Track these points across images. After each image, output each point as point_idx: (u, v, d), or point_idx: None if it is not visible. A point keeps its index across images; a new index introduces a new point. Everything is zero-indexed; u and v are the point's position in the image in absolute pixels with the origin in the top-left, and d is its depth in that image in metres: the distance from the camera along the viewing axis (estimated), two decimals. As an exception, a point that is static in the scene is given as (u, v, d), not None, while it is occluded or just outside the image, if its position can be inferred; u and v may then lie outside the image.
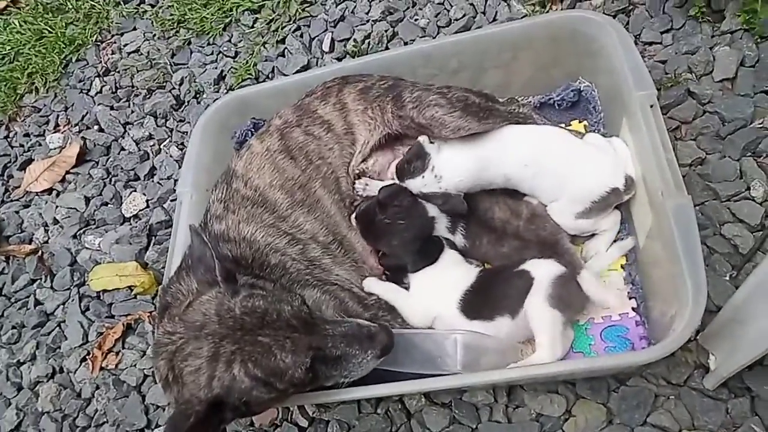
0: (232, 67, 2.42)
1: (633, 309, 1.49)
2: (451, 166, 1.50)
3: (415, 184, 1.52)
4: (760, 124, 1.61)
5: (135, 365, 1.88)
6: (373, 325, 1.26)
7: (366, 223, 1.55)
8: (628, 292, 1.51)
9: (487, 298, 1.42)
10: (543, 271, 1.41)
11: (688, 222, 1.20)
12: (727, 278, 1.47)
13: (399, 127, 1.58)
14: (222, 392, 1.09)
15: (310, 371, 1.15)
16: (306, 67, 2.28)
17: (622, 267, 1.55)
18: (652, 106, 1.35)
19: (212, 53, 2.53)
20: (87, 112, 2.58)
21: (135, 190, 2.28)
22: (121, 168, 2.36)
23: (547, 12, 2.03)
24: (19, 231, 2.36)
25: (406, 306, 1.47)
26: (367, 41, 2.25)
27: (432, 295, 1.47)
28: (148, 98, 2.51)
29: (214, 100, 1.95)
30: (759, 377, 1.36)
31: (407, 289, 1.53)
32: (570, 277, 1.39)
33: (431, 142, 1.54)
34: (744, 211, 1.52)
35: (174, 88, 2.50)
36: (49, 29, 2.84)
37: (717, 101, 1.69)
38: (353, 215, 1.58)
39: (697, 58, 1.76)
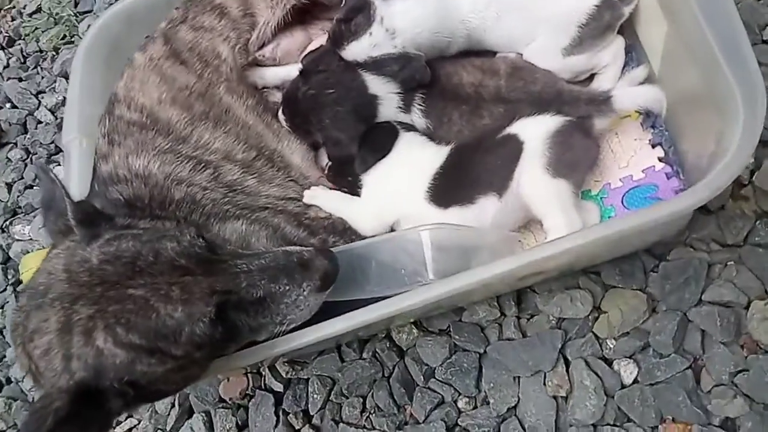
0: (137, -2, 2.04)
1: (660, 159, 1.12)
2: (405, 13, 1.12)
3: (360, 47, 1.14)
4: None
5: (85, 359, 1.60)
6: (306, 249, 0.93)
7: (290, 106, 1.19)
8: (650, 140, 1.14)
9: (464, 176, 1.08)
10: (534, 131, 1.05)
11: (723, 6, 0.82)
12: (781, 91, 1.08)
13: None
14: (88, 375, 0.77)
15: (219, 324, 0.82)
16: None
17: (636, 111, 1.17)
18: None
19: (116, -8, 2.14)
20: (-3, 92, 2.24)
21: (58, 164, 1.95)
22: (40, 143, 2.03)
23: None
24: (-52, 240, 2.08)
25: (356, 213, 1.14)
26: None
27: (392, 193, 1.13)
28: (56, 58, 2.16)
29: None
30: None
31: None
32: (571, 129, 1.04)
33: None
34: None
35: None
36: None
37: None
38: (279, 111, 1.22)
39: None
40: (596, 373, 1.08)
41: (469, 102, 1.18)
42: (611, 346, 1.11)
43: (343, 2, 1.16)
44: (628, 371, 1.08)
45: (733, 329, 1.04)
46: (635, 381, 1.07)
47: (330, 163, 1.26)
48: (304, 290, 0.89)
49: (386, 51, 1.14)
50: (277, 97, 1.29)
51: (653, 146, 1.14)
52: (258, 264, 0.88)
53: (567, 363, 1.12)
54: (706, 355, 1.05)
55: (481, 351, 1.18)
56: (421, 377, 1.21)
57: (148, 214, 1.05)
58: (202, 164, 1.14)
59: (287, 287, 0.88)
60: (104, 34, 1.48)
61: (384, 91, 1.17)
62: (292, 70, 1.27)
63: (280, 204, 1.16)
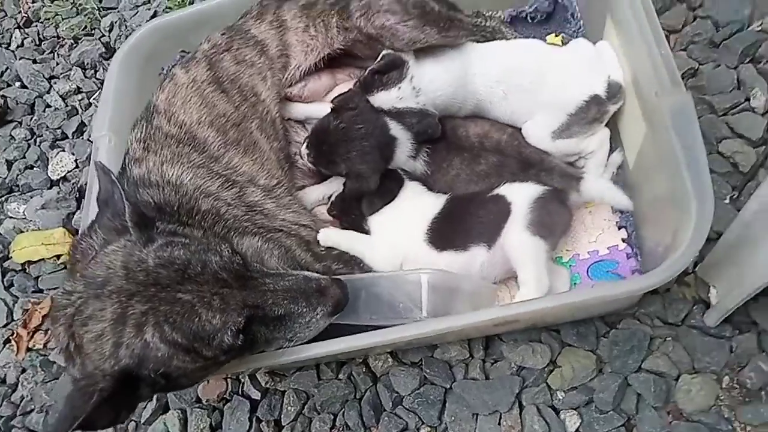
0: (167, 7, 2.15)
1: (623, 240, 1.30)
2: (432, 78, 1.32)
3: (387, 98, 1.31)
4: (759, 26, 1.42)
5: (66, 342, 1.65)
6: (324, 277, 1.07)
7: (320, 137, 1.32)
8: (617, 222, 1.33)
9: (459, 224, 1.23)
10: (520, 194, 1.22)
11: (688, 121, 1.01)
12: (727, 201, 1.29)
13: (342, 42, 1.36)
14: (132, 363, 0.89)
15: (244, 334, 0.95)
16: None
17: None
18: (640, -3, 1.14)
19: (144, -7, 2.25)
20: (7, 68, 2.30)
21: (63, 150, 2.02)
22: (47, 126, 2.09)
23: None
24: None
25: (370, 252, 1.28)
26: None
27: (396, 234, 1.28)
28: (75, 47, 2.24)
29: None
30: (766, 309, 1.18)
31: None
32: (551, 198, 1.21)
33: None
34: (744, 124, 1.34)
35: (103, 35, 2.23)
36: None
37: (708, 4, 1.49)
38: (303, 146, 1.36)
39: (683, -45, 1.55)
40: (545, 420, 1.23)
41: (472, 150, 1.35)
42: (561, 397, 1.26)
43: (379, 57, 1.33)
44: (572, 422, 1.22)
45: (663, 396, 1.20)
46: (577, 431, 1.23)
47: (334, 200, 1.40)
48: (317, 314, 1.03)
49: (408, 105, 1.31)
50: (301, 136, 1.43)
51: (619, 228, 1.32)
52: (283, 285, 1.01)
53: (521, 407, 1.26)
54: (638, 415, 1.20)
55: (448, 386, 1.31)
56: (390, 403, 1.33)
57: (176, 220, 1.16)
58: (230, 183, 1.26)
59: (304, 309, 1.02)
60: (140, 45, 1.62)
61: (402, 137, 1.32)
62: (318, 108, 1.42)
63: (294, 228, 1.28)
